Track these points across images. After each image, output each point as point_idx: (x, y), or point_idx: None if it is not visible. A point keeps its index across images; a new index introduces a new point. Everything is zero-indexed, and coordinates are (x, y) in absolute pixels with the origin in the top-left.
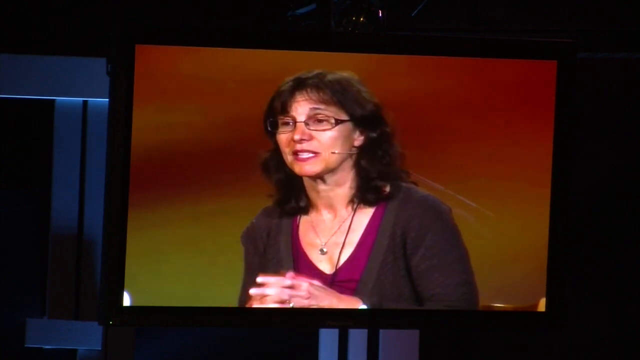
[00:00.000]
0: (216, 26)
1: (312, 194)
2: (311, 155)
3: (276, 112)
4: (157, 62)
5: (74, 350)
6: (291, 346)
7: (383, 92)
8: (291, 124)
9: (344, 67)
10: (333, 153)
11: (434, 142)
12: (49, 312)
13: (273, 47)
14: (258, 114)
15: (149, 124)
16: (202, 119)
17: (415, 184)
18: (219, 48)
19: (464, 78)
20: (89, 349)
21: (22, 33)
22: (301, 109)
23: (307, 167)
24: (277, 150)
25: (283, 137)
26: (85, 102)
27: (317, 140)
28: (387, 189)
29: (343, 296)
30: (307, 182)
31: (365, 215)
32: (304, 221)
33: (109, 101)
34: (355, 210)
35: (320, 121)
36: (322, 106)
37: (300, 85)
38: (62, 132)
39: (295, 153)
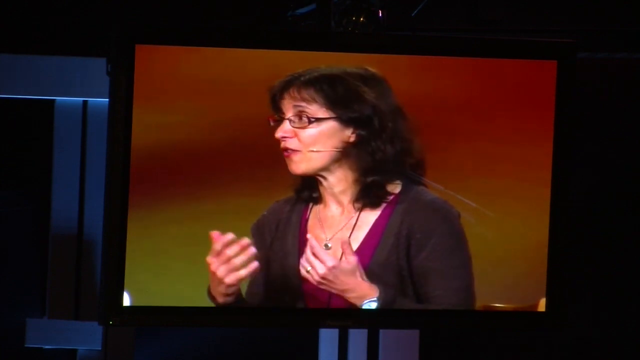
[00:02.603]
0: (216, 26)
1: (321, 188)
2: (292, 152)
3: (271, 108)
4: (157, 62)
5: (74, 350)
6: (291, 346)
7: None
8: (281, 121)
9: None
10: (311, 151)
11: (434, 142)
12: (49, 312)
13: (273, 47)
14: (258, 114)
15: (149, 124)
16: (202, 119)
17: (426, 185)
18: (219, 48)
19: (464, 78)
20: (89, 349)
21: (22, 33)
22: (287, 106)
23: (292, 165)
24: None
25: (276, 134)
26: (85, 102)
27: (298, 138)
28: (397, 190)
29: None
30: (317, 177)
31: (373, 213)
32: (313, 216)
33: (109, 101)
34: (361, 208)
35: (301, 119)
36: (303, 104)
37: (288, 83)
38: (62, 132)
39: (283, 151)
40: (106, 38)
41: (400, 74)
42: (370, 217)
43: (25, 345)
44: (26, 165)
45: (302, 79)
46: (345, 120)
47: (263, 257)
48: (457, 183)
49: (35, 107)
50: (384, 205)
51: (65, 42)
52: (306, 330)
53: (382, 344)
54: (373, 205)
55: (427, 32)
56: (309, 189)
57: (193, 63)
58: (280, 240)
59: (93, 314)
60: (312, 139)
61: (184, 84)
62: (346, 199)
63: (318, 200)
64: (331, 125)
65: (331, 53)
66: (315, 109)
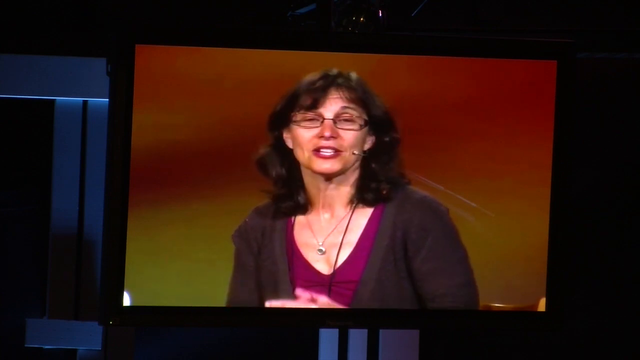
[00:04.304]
0: (216, 26)
1: (312, 192)
2: (333, 153)
3: (302, 107)
4: (157, 62)
5: (74, 350)
6: (291, 346)
7: (383, 92)
8: (319, 120)
9: (343, 67)
10: (354, 154)
11: (434, 142)
12: (49, 312)
13: (273, 47)
14: (258, 114)
15: (149, 124)
16: (202, 119)
17: (410, 183)
18: (219, 48)
19: (464, 78)
20: (89, 349)
21: (22, 33)
22: (332, 106)
23: (326, 165)
24: (277, 146)
25: (304, 132)
26: (85, 102)
27: (342, 139)
28: (386, 190)
29: None
30: (308, 179)
31: (363, 215)
32: (299, 220)
33: (109, 101)
34: (353, 210)
35: (347, 120)
36: (352, 105)
37: (331, 82)
38: (62, 132)
39: (317, 150)
40: (106, 38)
41: (400, 74)
42: (361, 219)
43: (25, 345)
44: (26, 165)
45: (339, 80)
46: (373, 125)
47: (251, 264)
48: (457, 183)
49: (35, 107)
50: (374, 207)
51: (65, 42)
52: (306, 330)
53: (382, 344)
54: (365, 207)
55: (427, 32)
56: (291, 195)
57: (193, 63)
58: (268, 247)
59: (93, 314)
60: (355, 141)
61: (184, 84)
62: (338, 201)
63: (305, 206)
64: (365, 129)
65: (331, 53)
66: (360, 112)
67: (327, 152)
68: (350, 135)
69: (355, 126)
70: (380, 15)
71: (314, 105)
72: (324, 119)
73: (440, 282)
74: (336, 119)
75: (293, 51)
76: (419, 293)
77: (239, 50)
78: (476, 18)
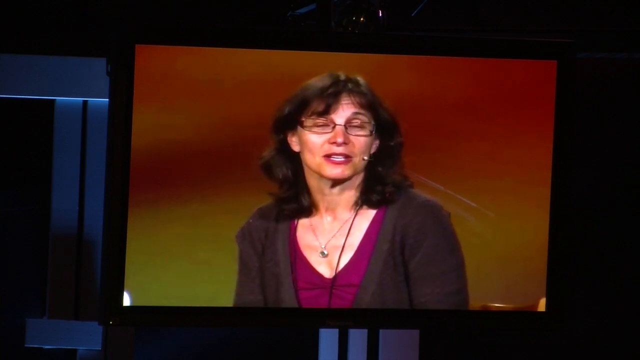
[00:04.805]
0: (216, 26)
1: (316, 196)
2: (344, 159)
3: (315, 113)
4: (157, 62)
5: (74, 350)
6: (291, 346)
7: (383, 92)
8: (330, 126)
9: (343, 67)
10: (364, 159)
11: (434, 142)
12: (49, 312)
13: (273, 47)
14: (258, 114)
15: (149, 124)
16: (202, 119)
17: (412, 186)
18: (219, 48)
19: (464, 78)
20: (89, 349)
21: (22, 33)
22: (343, 112)
23: (337, 171)
24: (282, 149)
25: (315, 138)
26: (85, 102)
27: (353, 145)
28: (389, 193)
29: None
30: (313, 183)
31: (365, 218)
32: (302, 223)
33: (109, 101)
34: (356, 213)
35: (357, 127)
36: (362, 111)
37: (343, 88)
38: (62, 132)
39: (329, 156)
40: (106, 38)
41: (401, 74)
42: (363, 222)
43: (25, 345)
44: (26, 165)
45: (349, 85)
46: (379, 129)
47: (256, 264)
48: (457, 183)
49: (35, 107)
50: (376, 209)
51: (65, 42)
52: (306, 330)
53: (382, 344)
54: (369, 208)
55: (427, 32)
56: (296, 198)
57: (193, 63)
58: (271, 248)
59: (93, 314)
60: (366, 146)
61: (184, 84)
62: (342, 205)
63: (308, 209)
64: (373, 134)
65: (331, 53)
66: (369, 118)
67: (339, 158)
68: (360, 141)
69: (366, 132)
70: (380, 15)
71: (326, 111)
72: (335, 124)
73: (431, 288)
74: (347, 124)
75: (293, 51)
76: (410, 297)
77: (239, 50)
78: (476, 18)
